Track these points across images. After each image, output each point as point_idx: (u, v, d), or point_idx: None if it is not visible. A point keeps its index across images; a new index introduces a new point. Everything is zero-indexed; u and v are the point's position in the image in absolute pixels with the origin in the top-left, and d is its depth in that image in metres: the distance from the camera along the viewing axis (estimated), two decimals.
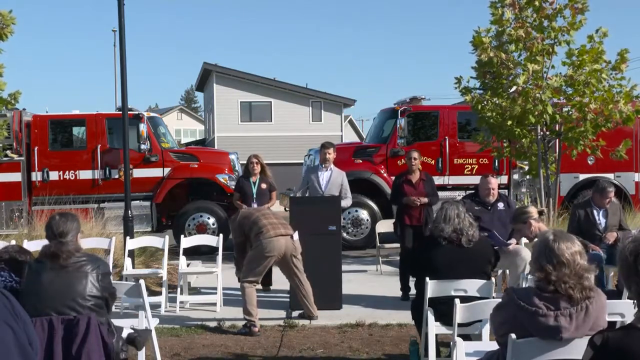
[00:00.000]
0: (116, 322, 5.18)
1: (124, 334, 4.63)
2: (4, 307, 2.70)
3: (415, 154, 8.84)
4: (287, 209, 10.05)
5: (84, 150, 13.60)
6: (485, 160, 13.79)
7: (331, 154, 9.06)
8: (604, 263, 7.56)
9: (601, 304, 3.41)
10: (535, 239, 5.65)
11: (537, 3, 10.43)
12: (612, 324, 3.98)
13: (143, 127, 13.26)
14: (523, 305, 3.38)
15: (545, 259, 3.38)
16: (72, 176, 13.44)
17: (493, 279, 5.36)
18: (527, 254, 6.68)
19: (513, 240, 7.44)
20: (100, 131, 13.60)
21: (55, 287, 4.20)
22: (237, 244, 7.65)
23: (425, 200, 8.58)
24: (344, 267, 8.74)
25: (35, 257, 4.53)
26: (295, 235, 7.36)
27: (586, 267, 3.36)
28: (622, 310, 4.09)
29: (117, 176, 13.24)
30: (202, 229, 13.23)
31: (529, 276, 4.73)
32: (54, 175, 13.38)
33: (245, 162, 9.76)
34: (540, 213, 5.92)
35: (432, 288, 5.21)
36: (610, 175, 13.49)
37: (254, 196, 9.30)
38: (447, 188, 13.72)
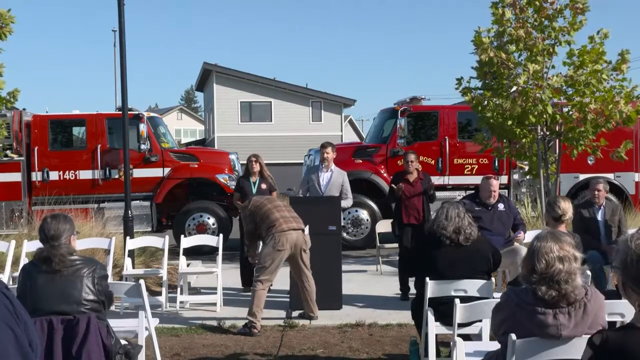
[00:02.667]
0: (116, 322, 5.19)
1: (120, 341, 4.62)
2: (5, 307, 2.70)
3: (412, 156, 8.89)
4: None
5: (84, 150, 13.59)
6: (485, 161, 13.78)
7: (330, 154, 9.06)
8: (604, 263, 7.56)
9: (599, 302, 3.42)
10: None
11: (537, 3, 10.42)
12: (612, 323, 3.99)
13: (143, 127, 13.25)
14: (522, 304, 3.39)
15: (526, 262, 3.42)
16: (72, 176, 13.43)
17: (493, 279, 5.36)
18: None
19: (521, 234, 7.51)
20: (100, 131, 13.59)
21: (50, 290, 4.18)
22: (248, 232, 7.67)
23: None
24: (344, 267, 8.74)
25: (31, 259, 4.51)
26: (306, 230, 7.38)
27: (568, 271, 3.32)
28: (622, 310, 4.10)
29: (117, 176, 13.23)
30: (202, 229, 13.22)
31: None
32: (54, 175, 13.37)
33: (245, 162, 9.77)
34: (561, 217, 5.78)
35: (432, 288, 5.21)
36: (610, 175, 13.48)
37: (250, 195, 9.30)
38: (447, 188, 13.72)
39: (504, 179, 13.89)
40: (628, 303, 2.50)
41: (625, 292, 2.47)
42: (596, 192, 8.15)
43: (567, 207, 5.79)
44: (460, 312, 4.62)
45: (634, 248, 2.41)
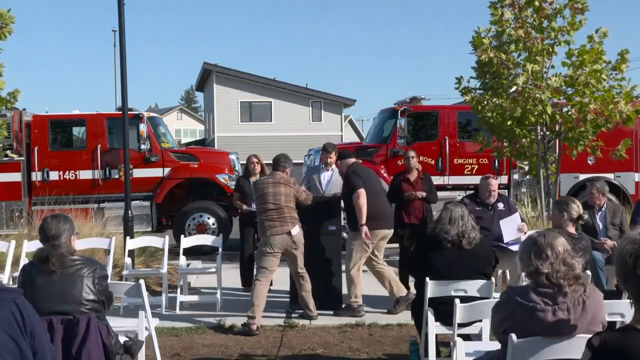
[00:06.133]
0: (116, 322, 5.19)
1: (120, 340, 4.62)
2: (13, 318, 2.71)
3: (412, 153, 8.94)
4: None
5: (84, 150, 13.59)
6: (485, 161, 13.77)
7: (333, 158, 9.05)
8: (604, 263, 7.56)
9: (598, 300, 3.45)
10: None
11: (536, 3, 10.42)
12: (612, 324, 4.00)
13: (143, 127, 13.25)
14: (521, 302, 3.40)
15: (533, 254, 3.46)
16: (72, 176, 13.43)
17: (493, 279, 5.36)
18: None
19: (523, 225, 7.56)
20: (100, 131, 13.59)
21: (50, 290, 4.17)
22: None
23: (423, 194, 8.64)
24: (344, 267, 8.73)
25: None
26: (294, 230, 7.41)
27: (572, 254, 3.46)
28: (622, 310, 4.10)
29: (117, 176, 13.23)
30: (202, 229, 13.22)
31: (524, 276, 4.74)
32: (54, 175, 13.37)
33: (245, 162, 9.77)
34: (579, 218, 5.83)
35: (432, 288, 5.21)
36: (610, 175, 13.49)
37: (254, 196, 9.29)
38: (447, 188, 13.72)
39: (504, 179, 13.88)
40: (627, 303, 2.53)
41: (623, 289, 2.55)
42: (589, 195, 8.20)
43: (580, 209, 5.88)
44: (460, 312, 4.62)
45: (626, 247, 2.48)
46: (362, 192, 7.62)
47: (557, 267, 3.39)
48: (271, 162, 7.90)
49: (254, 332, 7.08)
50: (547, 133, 11.00)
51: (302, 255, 7.55)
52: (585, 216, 6.02)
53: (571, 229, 5.71)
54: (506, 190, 13.69)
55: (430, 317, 5.09)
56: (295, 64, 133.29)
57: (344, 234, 10.23)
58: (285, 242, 7.39)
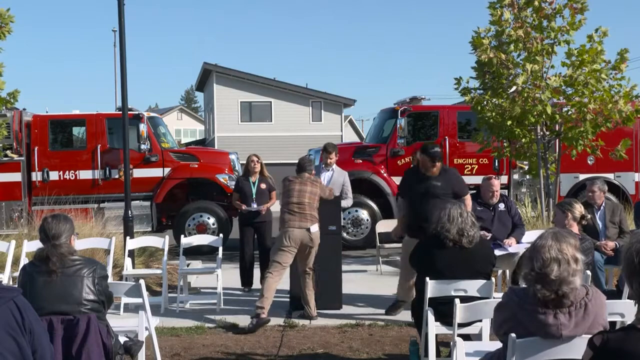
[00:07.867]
0: (116, 322, 5.20)
1: (120, 340, 4.62)
2: (12, 317, 2.71)
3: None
4: None
5: (84, 150, 13.59)
6: (485, 160, 13.78)
7: (333, 159, 9.10)
8: (604, 263, 7.57)
9: (600, 302, 3.41)
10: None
11: (536, 3, 10.43)
12: (612, 324, 3.99)
13: (143, 127, 13.25)
14: (522, 304, 3.39)
15: (526, 260, 3.42)
16: (72, 176, 13.43)
17: (493, 279, 5.36)
18: None
19: (512, 240, 7.49)
20: (100, 131, 13.59)
21: (50, 290, 4.17)
22: None
23: None
24: (344, 267, 8.74)
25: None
26: (313, 228, 7.46)
27: (563, 273, 3.29)
28: (622, 310, 4.09)
29: (117, 176, 13.24)
30: (202, 229, 13.22)
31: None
32: (54, 175, 13.37)
33: (245, 162, 9.78)
34: (582, 218, 5.87)
35: (433, 288, 5.21)
36: (610, 175, 13.50)
37: (254, 196, 9.31)
38: None
39: (504, 179, 13.89)
40: (628, 303, 2.54)
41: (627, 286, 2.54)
42: (590, 194, 8.22)
43: (582, 210, 5.92)
44: (460, 312, 4.62)
45: (633, 245, 2.49)
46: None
47: (548, 287, 3.30)
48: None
49: (264, 319, 7.17)
50: (547, 133, 11.01)
51: (315, 254, 7.59)
52: (589, 216, 6.04)
53: (575, 229, 5.72)
54: (506, 190, 13.69)
55: (430, 317, 5.09)
56: (295, 64, 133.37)
57: (345, 234, 10.22)
58: (302, 237, 7.42)
